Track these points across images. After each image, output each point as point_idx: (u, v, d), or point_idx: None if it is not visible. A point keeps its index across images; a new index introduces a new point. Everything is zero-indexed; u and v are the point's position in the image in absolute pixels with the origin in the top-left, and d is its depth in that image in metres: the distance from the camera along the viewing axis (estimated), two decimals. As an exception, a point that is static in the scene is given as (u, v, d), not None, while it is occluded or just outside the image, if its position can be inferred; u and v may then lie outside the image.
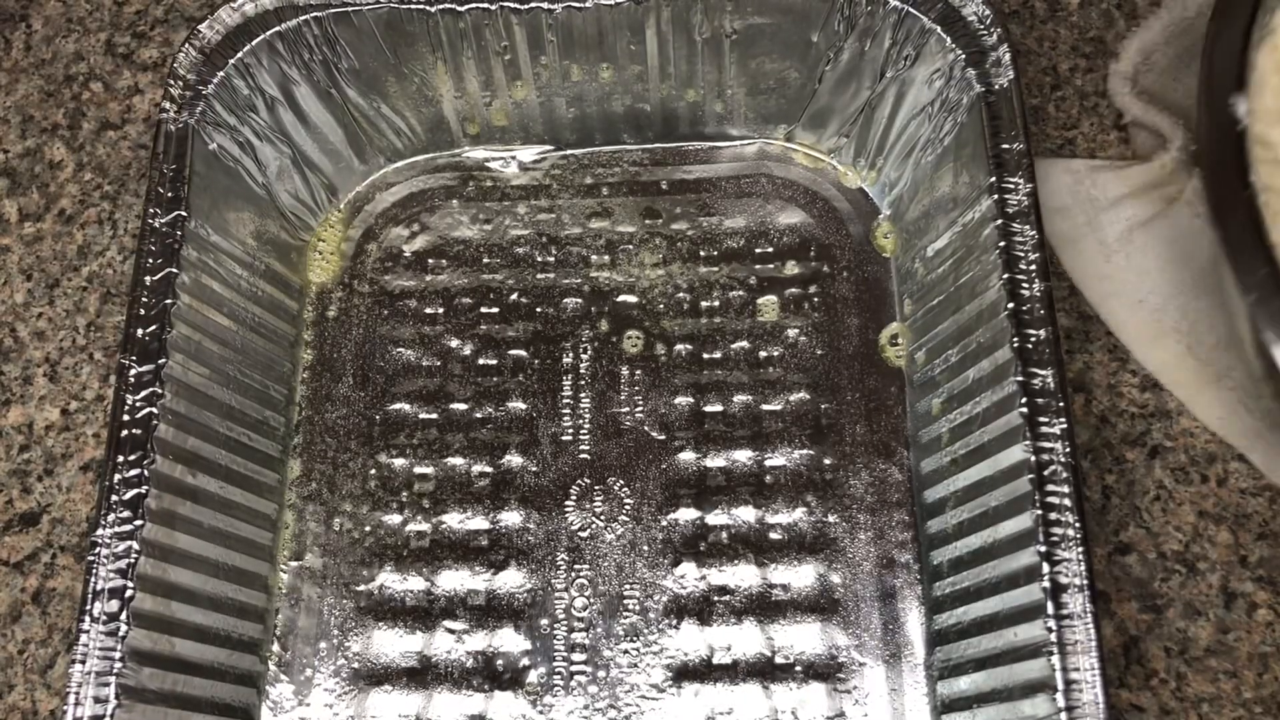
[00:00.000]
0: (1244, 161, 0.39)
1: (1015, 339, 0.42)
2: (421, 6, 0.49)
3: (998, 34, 0.47)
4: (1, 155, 0.57)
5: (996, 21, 0.47)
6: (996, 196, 0.45)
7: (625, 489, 0.50)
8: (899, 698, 0.46)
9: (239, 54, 0.49)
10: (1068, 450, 0.41)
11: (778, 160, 0.55)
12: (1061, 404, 0.41)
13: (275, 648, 0.48)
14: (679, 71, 0.52)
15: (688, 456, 0.50)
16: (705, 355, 0.52)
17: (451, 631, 0.48)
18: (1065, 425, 0.41)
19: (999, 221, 0.44)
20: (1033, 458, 0.41)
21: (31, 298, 0.54)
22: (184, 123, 0.48)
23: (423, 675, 0.47)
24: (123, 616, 0.41)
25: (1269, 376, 0.38)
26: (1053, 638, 0.39)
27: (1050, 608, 0.39)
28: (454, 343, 0.52)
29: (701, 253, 0.53)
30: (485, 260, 0.54)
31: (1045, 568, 0.40)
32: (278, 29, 0.49)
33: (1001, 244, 0.44)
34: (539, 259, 0.54)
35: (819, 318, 0.52)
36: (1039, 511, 0.40)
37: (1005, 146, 0.45)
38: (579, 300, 0.53)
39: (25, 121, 0.58)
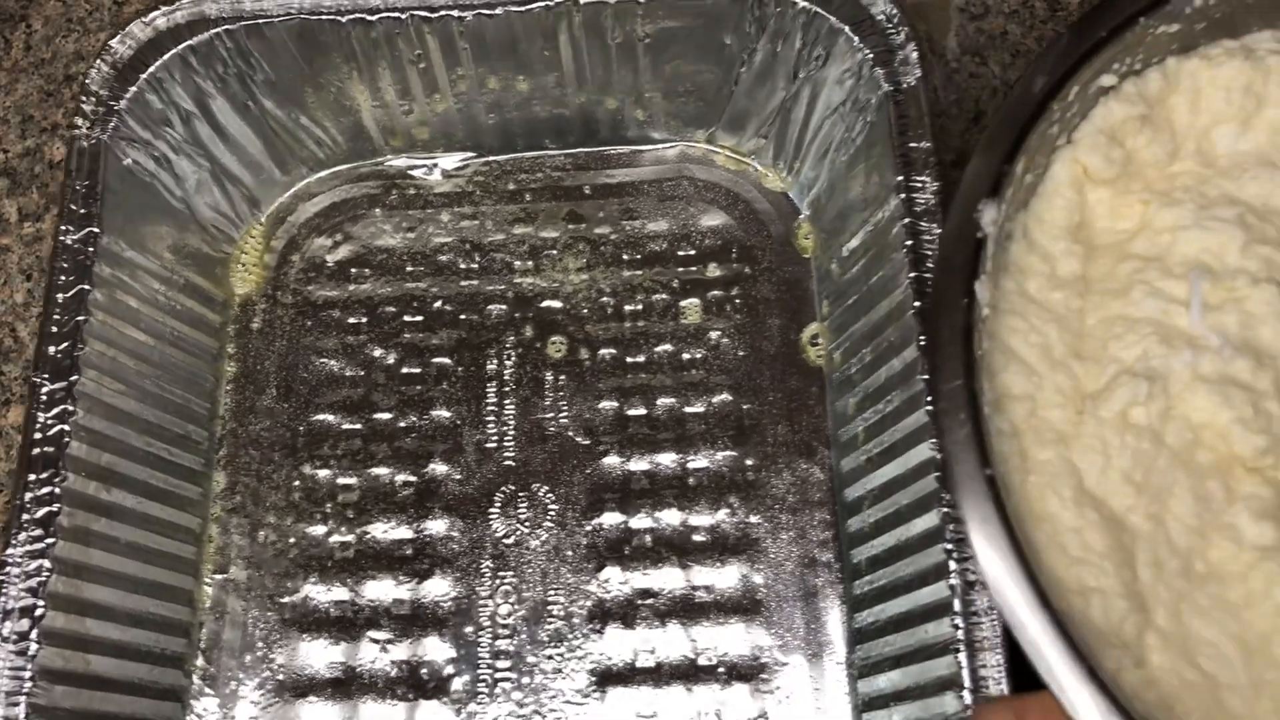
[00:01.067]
0: (974, 269, 0.38)
1: (922, 337, 0.43)
2: (332, 17, 0.49)
3: (905, 32, 0.47)
4: (1, 155, 0.57)
5: (904, 20, 0.47)
6: (904, 195, 0.45)
7: (550, 495, 0.50)
8: (821, 696, 0.46)
9: (151, 69, 0.49)
10: (974, 447, 0.41)
11: (699, 163, 0.55)
12: (968, 401, 0.42)
13: (200, 662, 0.48)
14: (595, 77, 0.52)
15: (612, 460, 0.50)
16: (629, 359, 0.52)
17: (376, 641, 0.48)
18: (971, 422, 0.41)
19: (906, 220, 0.44)
20: (938, 455, 0.41)
21: (31, 298, 0.54)
22: (96, 139, 0.48)
23: (348, 685, 0.47)
24: (33, 635, 0.41)
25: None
26: (960, 635, 0.39)
27: (958, 605, 0.40)
28: (378, 352, 0.52)
29: (625, 256, 0.54)
30: (409, 268, 0.54)
31: (953, 565, 0.40)
32: (189, 43, 0.49)
33: (909, 242, 0.44)
34: (462, 266, 0.54)
35: (741, 319, 0.52)
36: (945, 509, 0.41)
37: (913, 145, 0.45)
38: (503, 306, 0.53)
39: (25, 121, 0.58)
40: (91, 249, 0.46)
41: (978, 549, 0.34)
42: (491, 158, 0.55)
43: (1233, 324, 0.39)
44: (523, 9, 0.48)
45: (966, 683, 0.39)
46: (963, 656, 0.39)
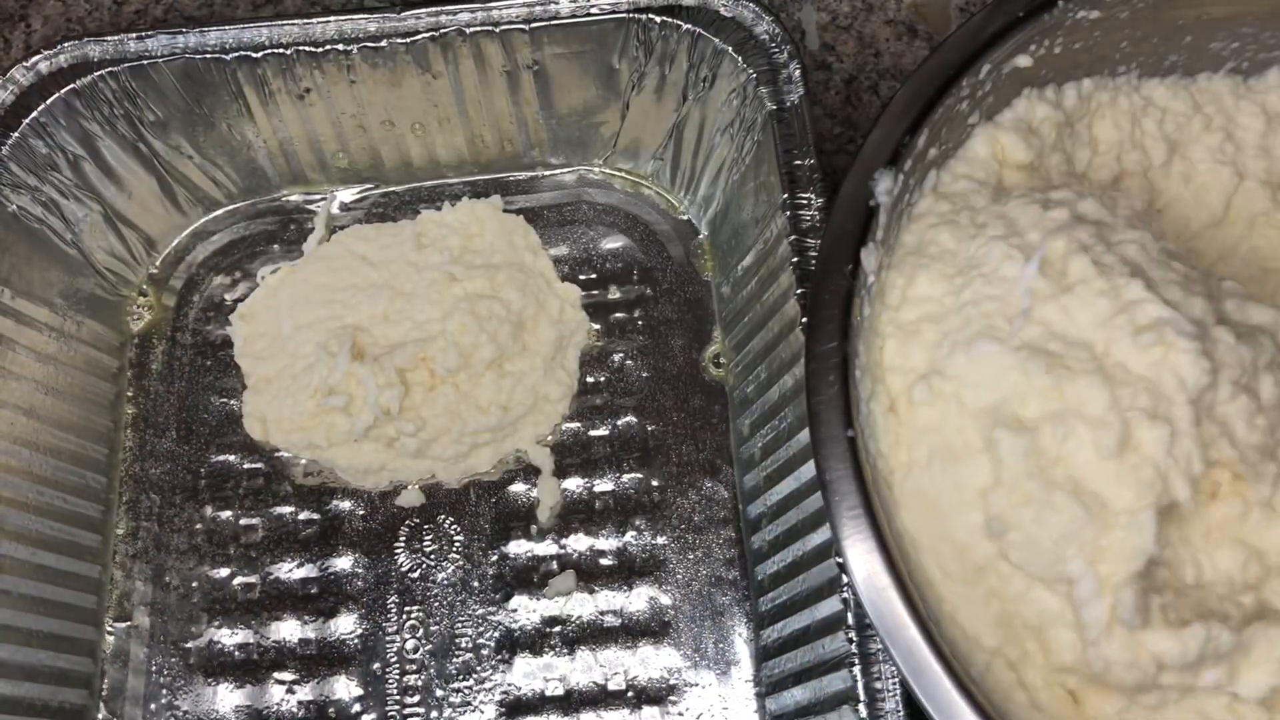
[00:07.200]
0: (863, 236, 0.38)
1: (810, 353, 0.43)
2: (217, 56, 0.48)
3: (788, 51, 0.47)
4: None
5: (787, 39, 0.47)
6: (789, 213, 0.45)
7: (455, 526, 0.49)
8: (730, 716, 0.46)
9: (34, 113, 0.48)
10: (863, 461, 0.41)
11: (598, 186, 0.55)
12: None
13: (101, 713, 0.47)
14: (488, 105, 0.52)
15: (518, 488, 0.50)
16: (533, 385, 0.52)
17: (282, 682, 0.47)
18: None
19: (793, 237, 0.45)
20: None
21: None
22: (-22, 187, 0.47)
23: (254, 729, 0.47)
24: (-83, 696, 0.40)
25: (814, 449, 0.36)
26: (854, 649, 0.39)
27: (850, 619, 0.40)
28: (278, 389, 0.52)
29: (526, 283, 0.53)
30: (308, 304, 0.53)
31: (844, 579, 0.40)
32: (73, 86, 0.48)
33: (795, 259, 0.44)
34: (363, 299, 0.53)
35: (644, 341, 0.52)
36: (836, 523, 0.41)
37: (797, 163, 0.46)
38: (405, 338, 0.53)
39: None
40: (-26, 298, 0.45)
41: (832, 511, 0.34)
42: (390, 188, 0.55)
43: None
44: (408, 40, 0.48)
45: (861, 695, 0.39)
46: (857, 670, 0.39)
